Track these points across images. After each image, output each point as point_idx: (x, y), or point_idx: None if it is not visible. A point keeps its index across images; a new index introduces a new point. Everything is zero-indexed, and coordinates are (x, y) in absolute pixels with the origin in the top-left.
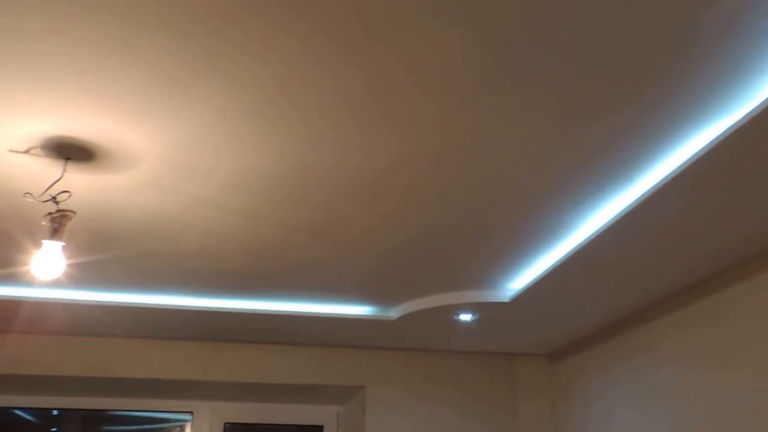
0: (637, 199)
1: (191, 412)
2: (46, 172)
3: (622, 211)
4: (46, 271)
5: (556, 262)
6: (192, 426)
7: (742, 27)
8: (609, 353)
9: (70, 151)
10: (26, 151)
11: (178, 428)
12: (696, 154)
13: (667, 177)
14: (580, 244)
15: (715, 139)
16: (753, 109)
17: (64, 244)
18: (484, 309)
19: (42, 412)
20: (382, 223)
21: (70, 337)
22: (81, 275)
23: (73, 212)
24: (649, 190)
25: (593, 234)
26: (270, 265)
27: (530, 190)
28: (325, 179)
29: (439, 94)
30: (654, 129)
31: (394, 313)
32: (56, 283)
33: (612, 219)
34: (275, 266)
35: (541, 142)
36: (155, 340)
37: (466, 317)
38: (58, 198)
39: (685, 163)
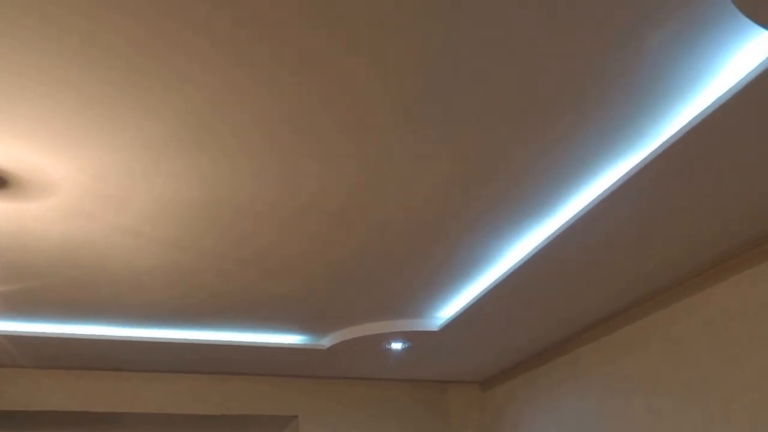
0: (558, 230)
1: None
2: None
3: (543, 241)
4: None
5: (482, 291)
6: None
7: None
8: (537, 380)
9: None
10: None
11: None
12: (609, 188)
13: (583, 210)
14: (504, 273)
15: (627, 173)
16: (661, 144)
17: None
18: (414, 338)
19: None
20: (308, 252)
21: None
22: None
23: None
24: (568, 222)
25: (516, 264)
26: (197, 293)
27: (454, 220)
28: (247, 207)
29: (360, 128)
30: (570, 162)
31: (326, 341)
32: None
33: (533, 250)
34: (203, 295)
35: (463, 175)
36: (79, 371)
37: (397, 346)
38: None
39: (600, 195)
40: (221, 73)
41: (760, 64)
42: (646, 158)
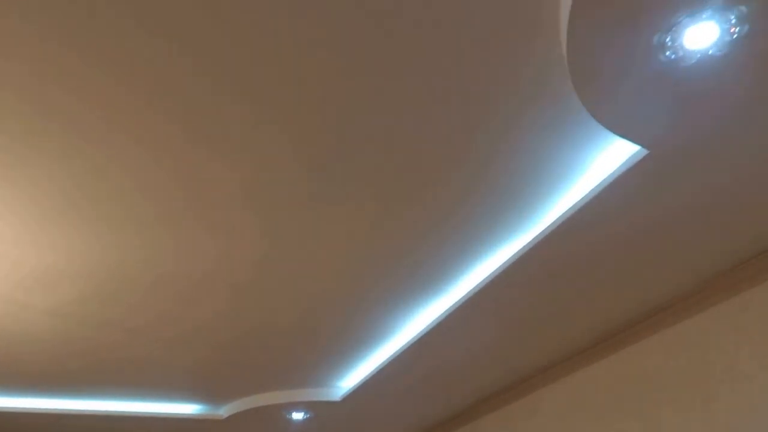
0: (450, 307)
1: None
2: None
3: (437, 318)
4: None
5: (382, 362)
6: None
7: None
8: None
9: None
10: None
11: None
12: (490, 275)
13: (471, 291)
14: (404, 346)
15: (515, 253)
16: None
17: None
18: (315, 408)
19: None
20: (207, 322)
21: None
22: None
23: None
24: (459, 300)
25: (415, 336)
26: (80, 362)
27: (354, 295)
28: (136, 279)
29: (265, 206)
30: (455, 249)
31: (224, 411)
32: None
33: (430, 324)
34: (88, 363)
35: (362, 256)
36: None
37: (298, 416)
38: None
39: (486, 278)
40: (107, 145)
41: (619, 167)
42: (522, 249)
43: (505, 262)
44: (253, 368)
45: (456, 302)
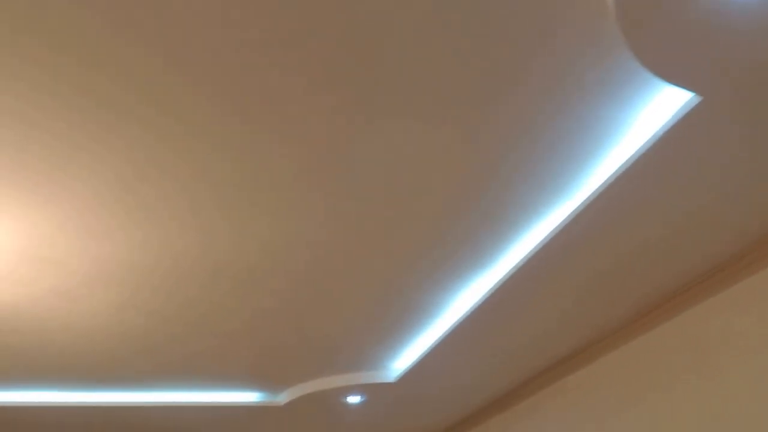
0: (502, 279)
1: None
2: None
3: (489, 291)
4: None
5: (435, 341)
6: None
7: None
8: (494, 429)
9: None
10: None
11: None
12: (542, 240)
13: (521, 260)
14: (456, 323)
15: (556, 226)
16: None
17: None
18: (371, 390)
19: None
20: (261, 311)
21: None
22: None
23: None
24: (509, 272)
25: (467, 311)
26: (145, 356)
27: (407, 273)
28: (194, 268)
29: (322, 186)
30: (506, 214)
31: (282, 398)
32: None
33: (481, 299)
34: (151, 357)
35: (413, 235)
36: None
37: (354, 399)
38: None
39: (535, 247)
40: (144, 148)
41: (672, 117)
42: (578, 207)
43: (552, 231)
44: (309, 354)
45: (503, 276)
